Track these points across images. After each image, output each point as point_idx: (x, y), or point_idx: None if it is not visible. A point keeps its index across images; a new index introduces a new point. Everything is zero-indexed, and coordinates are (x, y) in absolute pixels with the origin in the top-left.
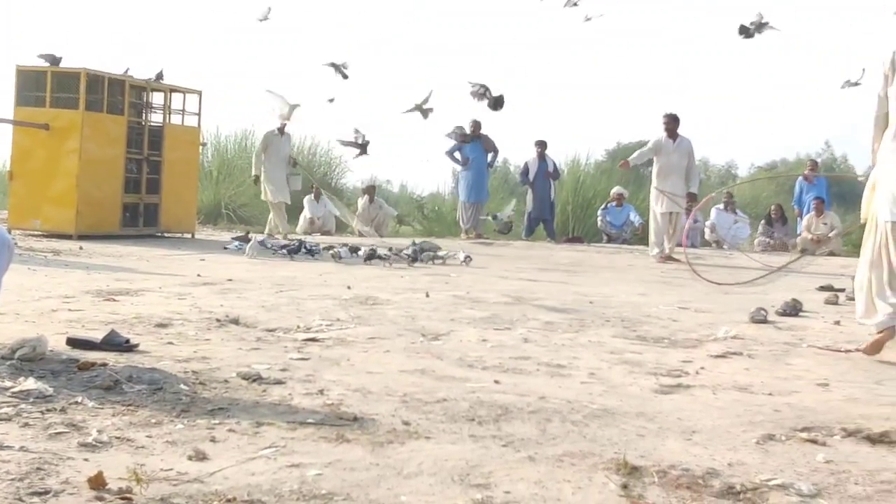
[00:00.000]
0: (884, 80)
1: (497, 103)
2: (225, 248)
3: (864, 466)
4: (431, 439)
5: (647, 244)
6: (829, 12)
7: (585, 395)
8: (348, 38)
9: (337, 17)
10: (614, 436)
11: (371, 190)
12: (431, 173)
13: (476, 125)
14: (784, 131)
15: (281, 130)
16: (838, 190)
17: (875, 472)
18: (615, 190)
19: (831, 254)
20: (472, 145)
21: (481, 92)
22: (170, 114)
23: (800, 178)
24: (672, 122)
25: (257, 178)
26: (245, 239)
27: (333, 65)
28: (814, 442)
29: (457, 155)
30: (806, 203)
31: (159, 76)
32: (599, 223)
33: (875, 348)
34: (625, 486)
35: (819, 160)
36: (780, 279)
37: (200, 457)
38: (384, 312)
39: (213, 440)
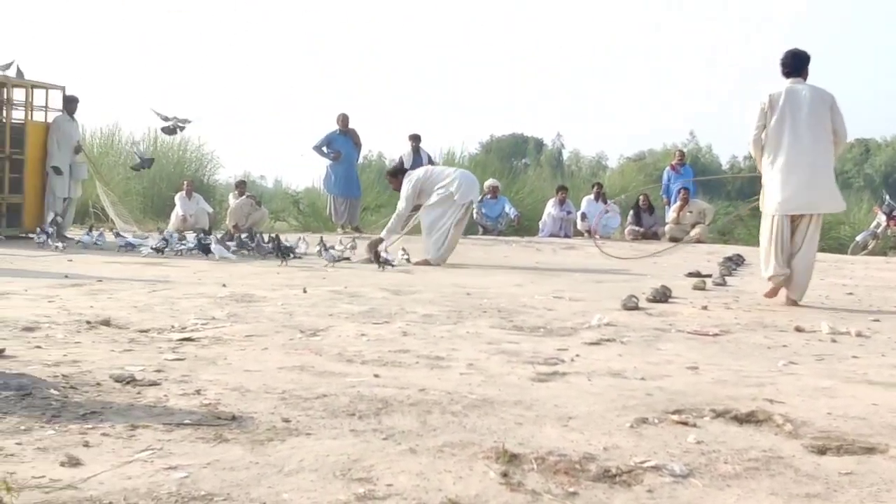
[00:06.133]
0: (761, 116)
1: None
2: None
3: (732, 446)
4: (312, 435)
5: (521, 235)
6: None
7: (464, 386)
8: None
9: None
10: (493, 425)
11: (242, 185)
12: (307, 168)
13: (345, 119)
14: (651, 123)
15: (71, 113)
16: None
17: (743, 451)
18: (489, 182)
19: (698, 241)
20: (343, 139)
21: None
22: (32, 111)
23: (667, 168)
24: None
25: (57, 168)
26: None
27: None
28: (685, 424)
29: (325, 149)
30: (673, 192)
31: (7, 67)
32: (475, 215)
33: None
34: (504, 474)
35: (685, 150)
36: (668, 254)
37: (74, 462)
38: (261, 310)
39: (86, 445)
